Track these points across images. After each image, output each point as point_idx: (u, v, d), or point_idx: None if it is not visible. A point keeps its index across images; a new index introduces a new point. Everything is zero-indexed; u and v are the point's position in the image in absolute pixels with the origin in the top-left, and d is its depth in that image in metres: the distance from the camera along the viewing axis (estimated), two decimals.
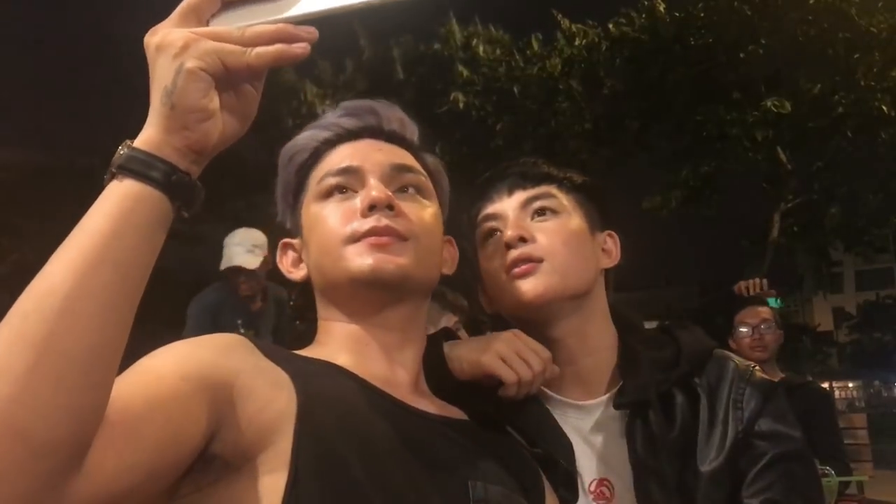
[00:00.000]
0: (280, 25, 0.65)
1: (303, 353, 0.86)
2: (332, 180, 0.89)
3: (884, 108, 10.20)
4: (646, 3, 11.13)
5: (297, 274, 0.93)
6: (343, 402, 0.76)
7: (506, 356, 0.96)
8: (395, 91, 11.00)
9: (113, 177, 0.62)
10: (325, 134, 0.94)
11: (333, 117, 0.95)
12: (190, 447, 0.64)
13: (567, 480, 0.97)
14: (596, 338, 1.09)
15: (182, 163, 0.64)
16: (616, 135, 12.26)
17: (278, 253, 0.96)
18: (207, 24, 0.67)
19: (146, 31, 0.65)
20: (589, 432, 1.03)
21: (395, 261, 0.83)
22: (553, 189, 1.09)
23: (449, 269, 0.97)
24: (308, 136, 0.94)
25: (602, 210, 1.14)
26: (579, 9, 12.25)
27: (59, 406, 0.53)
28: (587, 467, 1.01)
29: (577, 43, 11.58)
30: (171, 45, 0.63)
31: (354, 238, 0.84)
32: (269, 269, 3.48)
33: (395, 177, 0.90)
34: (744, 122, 10.87)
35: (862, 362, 26.79)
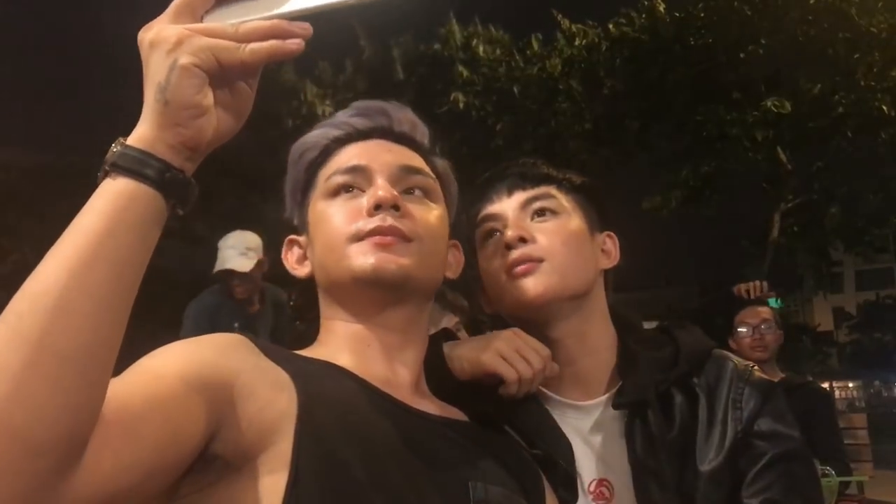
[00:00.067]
0: (274, 22, 0.65)
1: (304, 353, 0.86)
2: (340, 178, 0.89)
3: (884, 108, 10.21)
4: (646, 3, 11.13)
5: (302, 271, 0.93)
6: (344, 402, 0.76)
7: (506, 354, 0.96)
8: (394, 91, 10.96)
9: (106, 174, 0.62)
10: (336, 132, 0.94)
11: (345, 116, 0.95)
12: (189, 447, 0.64)
13: (566, 481, 0.97)
14: (595, 338, 1.09)
15: (176, 160, 0.63)
16: (616, 135, 12.25)
17: (284, 249, 0.96)
18: (201, 20, 0.66)
19: None
20: (588, 433, 1.03)
21: (398, 261, 0.83)
22: (553, 190, 1.09)
23: (453, 274, 0.97)
24: (319, 134, 0.94)
25: (601, 211, 1.14)
26: (579, 9, 12.28)
27: (54, 405, 0.53)
28: (586, 468, 1.01)
29: (577, 43, 11.58)
30: (164, 42, 0.62)
31: (358, 237, 0.84)
32: (265, 271, 3.48)
33: (403, 178, 0.89)
34: (744, 122, 10.87)
35: (862, 362, 26.73)
